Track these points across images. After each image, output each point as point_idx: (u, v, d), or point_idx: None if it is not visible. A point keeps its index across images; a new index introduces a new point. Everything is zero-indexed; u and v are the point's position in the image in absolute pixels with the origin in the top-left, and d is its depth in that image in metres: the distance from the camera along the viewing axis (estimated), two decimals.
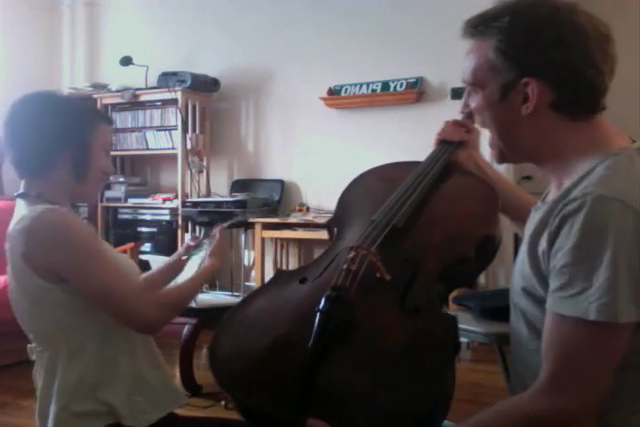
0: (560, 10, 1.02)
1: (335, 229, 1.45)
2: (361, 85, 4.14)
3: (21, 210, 1.34)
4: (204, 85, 4.45)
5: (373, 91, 4.10)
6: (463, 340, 3.06)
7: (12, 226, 1.32)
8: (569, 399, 0.92)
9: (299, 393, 1.04)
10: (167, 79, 4.37)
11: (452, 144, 1.47)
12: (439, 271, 1.23)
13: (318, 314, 1.11)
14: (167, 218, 4.50)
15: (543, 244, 0.99)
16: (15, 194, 1.40)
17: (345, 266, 1.19)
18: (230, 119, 4.67)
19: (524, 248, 1.07)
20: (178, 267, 1.58)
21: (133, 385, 1.29)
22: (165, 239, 4.44)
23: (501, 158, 1.14)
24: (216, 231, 1.55)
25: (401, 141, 3.91)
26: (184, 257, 1.57)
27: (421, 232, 1.32)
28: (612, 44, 1.03)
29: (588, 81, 1.02)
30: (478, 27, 1.07)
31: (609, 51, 1.03)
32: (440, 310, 1.18)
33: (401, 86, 4.03)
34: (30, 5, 5.08)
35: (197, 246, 1.54)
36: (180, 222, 4.38)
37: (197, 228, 4.46)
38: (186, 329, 2.92)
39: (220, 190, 4.58)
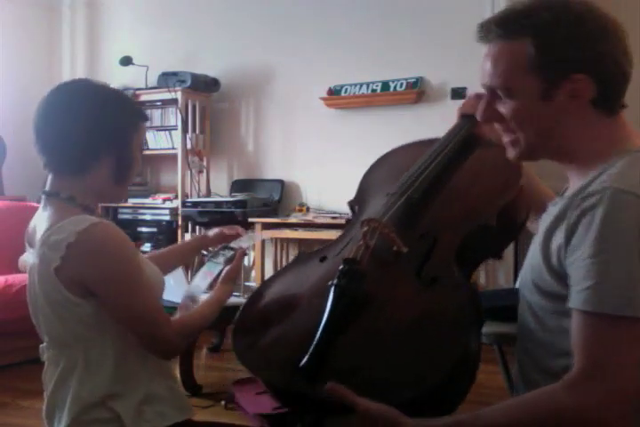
0: (591, 4, 1.01)
1: (356, 207, 1.45)
2: (361, 85, 4.14)
3: (46, 211, 1.27)
4: (204, 85, 4.45)
5: (373, 91, 4.10)
6: None
7: (42, 231, 1.24)
8: (604, 393, 0.89)
9: (315, 366, 1.03)
10: (167, 79, 4.37)
11: (474, 117, 1.46)
12: (459, 242, 1.20)
13: (332, 288, 1.11)
14: (167, 218, 4.50)
15: (559, 238, 0.99)
16: (43, 191, 1.29)
17: (361, 241, 1.20)
18: (230, 119, 4.67)
19: (537, 241, 1.06)
20: (190, 256, 1.58)
21: (144, 397, 1.26)
22: (165, 239, 4.43)
23: (526, 157, 1.11)
24: (238, 248, 1.49)
25: (401, 141, 3.90)
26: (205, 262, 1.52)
27: (440, 204, 1.30)
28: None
29: (626, 75, 1.02)
30: (508, 26, 1.02)
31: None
32: (460, 280, 1.14)
33: (401, 86, 4.02)
34: (30, 5, 5.08)
35: (214, 255, 1.49)
36: (180, 222, 4.38)
37: (197, 228, 4.46)
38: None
39: (220, 190, 4.58)
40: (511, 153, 1.10)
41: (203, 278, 1.46)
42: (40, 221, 1.28)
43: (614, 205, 0.92)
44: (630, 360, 0.90)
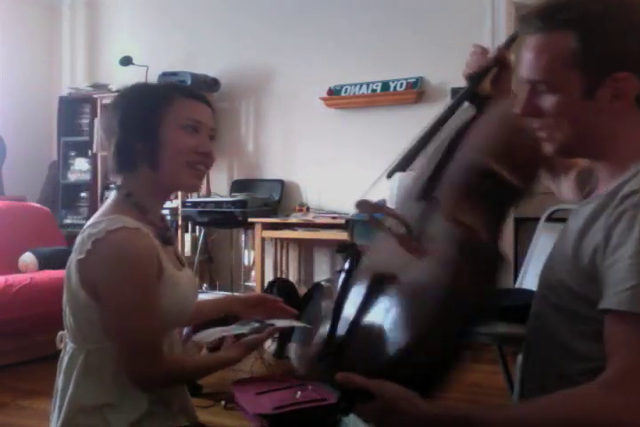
0: None
1: None
2: (361, 85, 4.14)
3: (106, 203, 1.30)
4: (204, 85, 4.45)
5: (373, 91, 4.10)
6: None
7: (93, 219, 1.26)
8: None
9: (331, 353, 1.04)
10: (167, 79, 4.37)
11: (476, 76, 1.34)
12: (464, 193, 1.12)
13: (343, 273, 1.11)
14: (167, 218, 4.49)
15: (596, 238, 0.95)
16: (112, 186, 1.33)
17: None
18: (230, 119, 4.67)
19: (568, 242, 1.02)
20: (225, 310, 1.51)
21: (144, 414, 1.24)
22: None
23: (561, 155, 1.07)
24: (271, 324, 1.37)
25: (401, 141, 3.90)
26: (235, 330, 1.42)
27: (447, 171, 1.23)
28: None
29: None
30: (551, 18, 0.97)
31: None
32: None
33: (401, 86, 4.02)
34: (30, 5, 5.08)
35: (244, 322, 1.41)
36: (180, 222, 4.38)
37: (197, 228, 4.46)
38: (186, 329, 2.92)
39: (220, 190, 4.57)
40: (547, 149, 1.06)
41: (218, 332, 1.37)
42: (98, 211, 1.31)
43: None
44: None
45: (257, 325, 1.37)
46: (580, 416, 0.87)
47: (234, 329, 1.38)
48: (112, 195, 1.32)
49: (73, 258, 1.24)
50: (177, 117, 1.27)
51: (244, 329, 1.36)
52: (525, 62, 1.02)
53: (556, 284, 1.04)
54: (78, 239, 1.24)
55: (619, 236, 0.91)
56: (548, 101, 1.00)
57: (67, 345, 1.29)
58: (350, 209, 4.27)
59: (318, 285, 3.42)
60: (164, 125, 1.26)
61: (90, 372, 1.24)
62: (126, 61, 4.48)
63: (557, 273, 1.04)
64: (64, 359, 1.28)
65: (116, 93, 1.35)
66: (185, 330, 1.40)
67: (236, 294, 1.55)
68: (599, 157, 1.05)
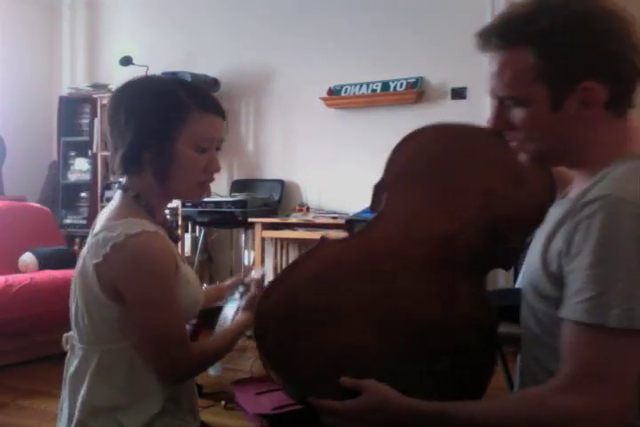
0: (595, 2, 0.96)
1: None
2: (361, 85, 4.14)
3: (115, 203, 1.29)
4: (203, 85, 4.45)
5: (373, 91, 4.10)
6: None
7: (102, 221, 1.26)
8: (599, 402, 0.89)
9: None
10: None
11: None
12: None
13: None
14: (167, 218, 4.49)
15: (559, 244, 0.97)
16: (118, 186, 1.32)
17: None
18: (230, 119, 4.64)
19: (538, 244, 1.04)
20: (216, 298, 1.57)
21: (157, 414, 1.24)
22: None
23: (536, 165, 1.08)
24: (252, 279, 1.50)
25: None
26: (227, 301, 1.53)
27: None
28: None
29: (637, 72, 0.98)
30: (507, 35, 0.98)
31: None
32: None
33: (401, 86, 4.03)
34: (30, 5, 5.08)
35: (231, 293, 1.51)
36: (180, 222, 4.38)
37: (197, 228, 4.46)
38: (188, 326, 2.92)
39: (220, 190, 4.57)
40: (522, 157, 1.07)
41: (228, 314, 1.48)
42: (105, 211, 1.30)
43: (613, 214, 0.89)
44: (629, 373, 0.89)
45: (242, 288, 1.52)
46: (531, 416, 0.93)
47: (229, 307, 1.50)
48: (118, 195, 1.31)
49: (87, 260, 1.24)
50: (191, 137, 1.24)
51: (237, 299, 1.49)
52: (490, 79, 1.03)
53: (529, 285, 1.07)
54: (92, 242, 1.23)
55: (576, 245, 0.93)
56: (517, 115, 1.02)
57: (74, 347, 1.29)
58: (350, 209, 4.29)
59: None
60: (176, 142, 1.24)
61: (103, 373, 1.23)
62: (126, 61, 4.48)
63: (531, 277, 1.06)
64: (73, 362, 1.28)
65: (125, 89, 1.29)
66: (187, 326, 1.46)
67: (218, 284, 1.68)
68: (575, 164, 1.07)
